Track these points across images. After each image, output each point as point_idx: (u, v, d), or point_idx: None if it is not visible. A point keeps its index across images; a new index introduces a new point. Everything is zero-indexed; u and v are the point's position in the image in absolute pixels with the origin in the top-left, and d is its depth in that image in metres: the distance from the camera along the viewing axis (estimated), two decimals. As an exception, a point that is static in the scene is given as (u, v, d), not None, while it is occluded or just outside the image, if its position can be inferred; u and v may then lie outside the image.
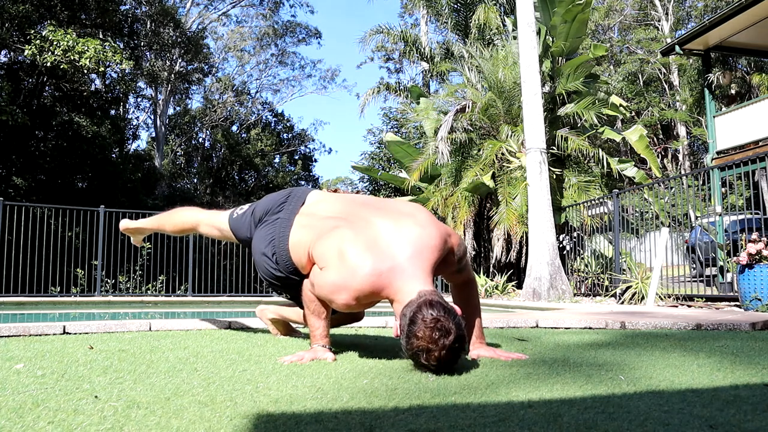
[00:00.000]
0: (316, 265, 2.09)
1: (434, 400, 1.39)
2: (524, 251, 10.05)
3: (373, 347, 2.49)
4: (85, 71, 14.26)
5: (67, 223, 10.03)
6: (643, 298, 6.83)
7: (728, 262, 7.00)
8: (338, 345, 2.38)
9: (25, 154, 15.91)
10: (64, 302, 7.60)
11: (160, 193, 22.79)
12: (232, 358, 2.09)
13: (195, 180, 29.39)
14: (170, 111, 27.38)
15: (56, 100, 17.09)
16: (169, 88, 24.95)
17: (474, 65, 12.33)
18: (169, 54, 23.20)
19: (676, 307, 6.07)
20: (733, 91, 14.91)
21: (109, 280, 9.64)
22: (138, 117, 27.08)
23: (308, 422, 1.19)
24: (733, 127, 10.85)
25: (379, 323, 3.43)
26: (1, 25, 13.99)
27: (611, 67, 24.93)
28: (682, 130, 24.09)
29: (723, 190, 13.48)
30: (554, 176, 10.28)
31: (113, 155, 18.35)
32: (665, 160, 24.72)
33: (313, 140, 32.19)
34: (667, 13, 25.23)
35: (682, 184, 15.05)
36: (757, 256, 5.05)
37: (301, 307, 2.34)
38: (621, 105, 11.85)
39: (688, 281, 8.23)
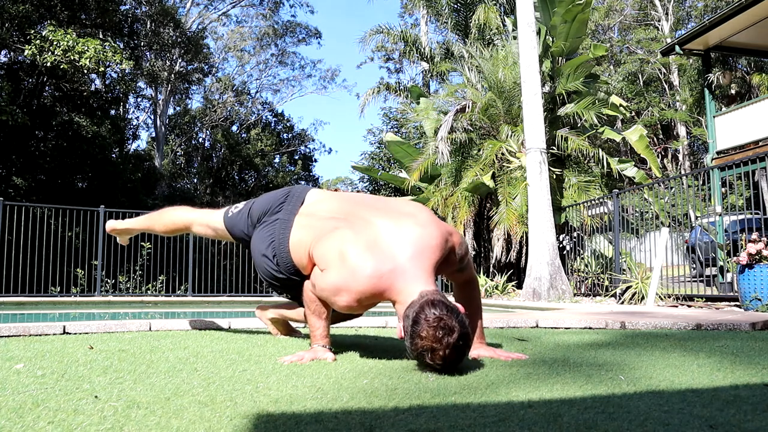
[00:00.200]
0: (317, 266, 2.08)
1: (434, 400, 1.39)
2: (524, 251, 10.06)
3: (373, 347, 2.49)
4: (85, 71, 14.27)
5: (67, 223, 10.04)
6: (643, 298, 6.83)
7: (728, 262, 7.00)
8: (338, 345, 2.38)
9: (25, 154, 15.91)
10: (64, 302, 7.59)
11: (160, 193, 22.79)
12: (232, 358, 2.09)
13: (195, 180, 29.39)
14: (170, 111, 27.39)
15: (56, 100, 17.09)
16: (169, 88, 24.95)
17: (474, 65, 12.33)
18: (169, 54, 23.20)
19: (676, 307, 6.07)
20: (733, 91, 14.90)
21: (109, 280, 9.64)
22: (138, 117, 27.11)
23: (308, 422, 1.19)
24: (733, 127, 10.85)
25: (379, 323, 3.43)
26: (1, 25, 13.99)
27: (611, 67, 24.93)
28: (682, 130, 24.10)
29: (723, 190, 13.48)
30: (554, 176, 10.28)
31: (113, 155, 18.36)
32: (665, 160, 24.72)
33: (313, 140, 32.22)
34: (667, 13, 25.23)
35: (682, 184, 15.05)
36: (757, 256, 5.05)
37: (302, 306, 2.34)
38: (621, 105, 11.85)
39: (688, 281, 8.23)
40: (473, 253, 11.27)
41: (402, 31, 16.34)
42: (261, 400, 1.40)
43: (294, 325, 2.98)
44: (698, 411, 1.27)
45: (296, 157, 31.49)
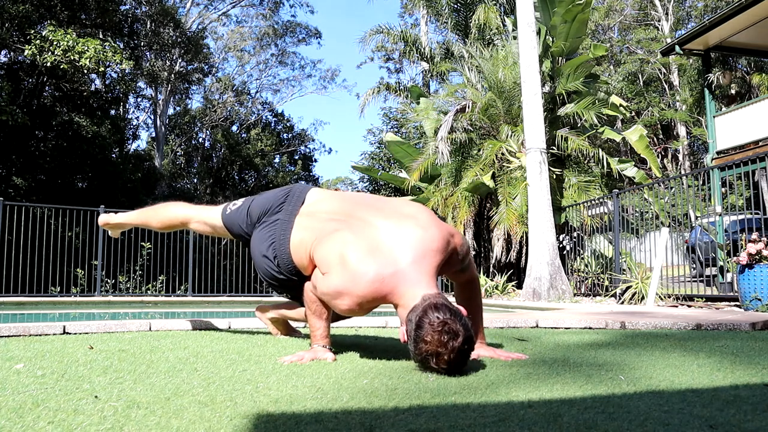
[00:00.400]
0: (318, 269, 2.07)
1: (434, 400, 1.39)
2: (524, 251, 10.06)
3: (373, 347, 2.49)
4: (85, 71, 14.27)
5: (67, 223, 10.04)
6: (643, 298, 6.83)
7: (728, 262, 7.00)
8: (338, 345, 2.38)
9: (25, 154, 15.92)
10: (64, 302, 7.60)
11: (160, 193, 22.79)
12: (232, 358, 2.09)
13: (195, 180, 29.40)
14: (170, 111, 27.40)
15: (56, 100, 17.09)
16: (169, 88, 24.95)
17: (474, 65, 12.33)
18: (169, 54, 23.20)
19: (676, 307, 6.07)
20: (733, 91, 14.90)
21: (109, 280, 9.65)
22: (138, 117, 27.11)
23: (308, 422, 1.19)
24: (733, 127, 10.85)
25: (379, 323, 3.43)
26: (1, 25, 13.99)
27: (611, 67, 24.93)
28: (682, 130, 24.10)
29: (723, 190, 13.48)
30: (554, 176, 10.29)
31: (113, 155, 18.36)
32: (665, 160, 24.72)
33: (313, 140, 32.23)
34: (667, 13, 25.23)
35: (682, 184, 15.05)
36: (757, 256, 5.05)
37: (302, 306, 2.33)
38: (621, 105, 11.85)
39: (688, 281, 8.23)
40: (473, 253, 11.27)
41: (402, 31, 16.34)
42: (261, 400, 1.40)
43: (294, 324, 2.98)
44: (698, 411, 1.27)
45: (296, 157, 31.49)
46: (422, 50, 16.38)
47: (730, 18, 10.16)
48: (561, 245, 9.30)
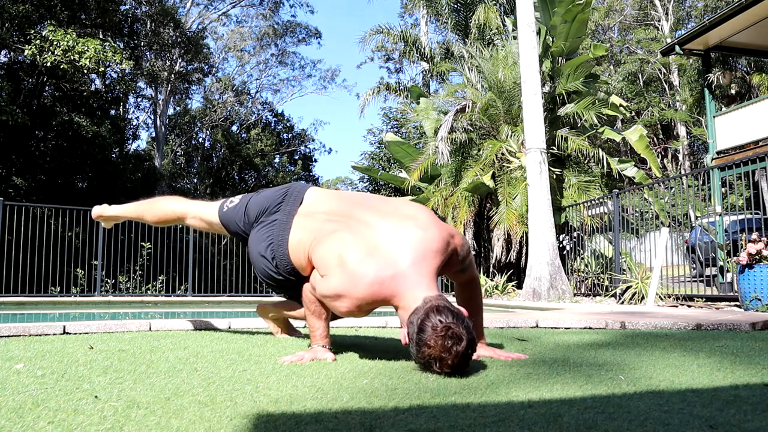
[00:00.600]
0: (316, 270, 2.06)
1: (434, 400, 1.39)
2: (524, 251, 10.06)
3: (373, 347, 2.49)
4: (85, 71, 14.27)
5: (67, 223, 10.04)
6: (643, 298, 6.83)
7: (728, 262, 7.00)
8: (338, 345, 2.38)
9: (25, 154, 15.92)
10: (64, 302, 7.59)
11: (160, 192, 22.79)
12: (232, 358, 2.09)
13: (195, 180, 29.40)
14: (170, 111, 27.39)
15: (56, 100, 17.09)
16: (169, 88, 24.95)
17: (474, 65, 12.33)
18: (169, 54, 23.20)
19: (676, 307, 6.07)
20: (733, 91, 14.89)
21: (109, 280, 9.65)
22: (138, 117, 27.11)
23: (308, 422, 1.19)
24: (733, 127, 10.85)
25: (379, 323, 3.43)
26: (1, 25, 14.00)
27: (611, 67, 24.93)
28: (682, 130, 24.10)
29: (723, 190, 13.48)
30: (554, 176, 10.29)
31: (113, 155, 18.36)
32: (665, 160, 24.72)
33: (313, 140, 32.23)
34: (667, 13, 25.23)
35: (682, 184, 15.05)
36: (757, 256, 5.05)
37: (301, 305, 2.33)
38: (621, 105, 11.85)
39: (688, 281, 8.23)
40: (473, 253, 11.27)
41: (402, 31, 16.34)
42: (261, 400, 1.40)
43: (294, 324, 2.98)
44: (698, 411, 1.27)
45: (296, 157, 31.49)
46: (422, 50, 16.38)
47: (730, 18, 10.16)
48: (561, 245, 9.30)
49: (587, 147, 10.51)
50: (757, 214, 10.86)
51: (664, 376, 1.71)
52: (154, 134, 26.80)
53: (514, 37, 11.69)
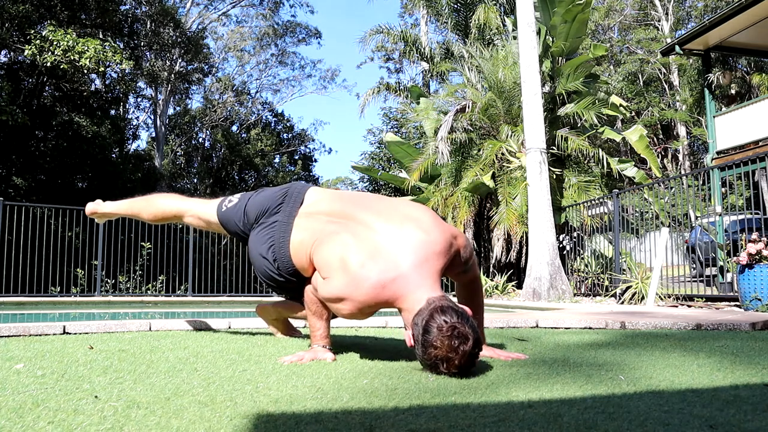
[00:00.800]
0: (318, 272, 2.05)
1: (434, 400, 1.39)
2: (524, 251, 10.06)
3: (373, 347, 2.49)
4: (85, 71, 14.27)
5: (67, 223, 10.03)
6: (643, 298, 6.83)
7: (728, 262, 7.00)
8: (338, 345, 2.38)
9: (25, 154, 15.92)
10: (64, 302, 7.59)
11: (160, 192, 22.76)
12: (232, 358, 2.09)
13: (195, 180, 29.39)
14: (170, 111, 27.39)
15: (56, 100, 17.09)
16: (169, 88, 24.95)
17: (474, 65, 12.33)
18: (169, 54, 23.20)
19: (676, 307, 6.07)
20: (733, 91, 14.90)
21: (109, 280, 9.65)
22: (138, 117, 27.11)
23: (308, 422, 1.19)
24: (733, 127, 10.85)
25: (379, 323, 3.43)
26: (1, 25, 14.00)
27: (611, 67, 24.93)
28: (682, 130, 24.10)
29: (723, 190, 13.48)
30: (554, 176, 10.29)
31: (113, 155, 18.36)
32: (665, 160, 24.72)
33: (313, 140, 32.23)
34: (667, 13, 25.23)
35: (682, 184, 15.05)
36: (757, 256, 5.05)
37: (301, 305, 2.32)
38: (621, 105, 11.85)
39: (688, 281, 8.23)
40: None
41: (402, 31, 16.34)
42: (261, 400, 1.40)
43: (294, 324, 2.98)
44: (698, 411, 1.27)
45: (296, 157, 31.50)
46: (422, 50, 16.38)
47: (730, 18, 10.16)
48: (561, 245, 9.30)
49: (587, 147, 10.51)
50: (757, 214, 10.86)
51: (664, 376, 1.71)
52: (154, 134, 26.80)
53: (514, 37, 11.69)
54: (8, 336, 2.67)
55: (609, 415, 1.22)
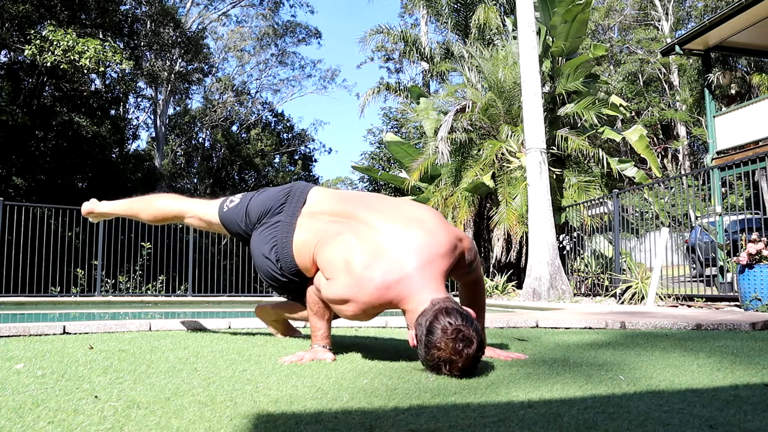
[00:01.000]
0: (321, 273, 2.04)
1: (434, 400, 1.39)
2: (524, 251, 10.06)
3: (373, 347, 2.49)
4: (85, 71, 14.27)
5: (67, 223, 10.03)
6: (643, 298, 6.83)
7: (728, 262, 7.00)
8: (338, 345, 2.38)
9: (25, 154, 15.92)
10: (64, 302, 7.59)
11: (160, 192, 22.76)
12: (232, 358, 2.09)
13: (195, 180, 29.40)
14: (170, 111, 27.39)
15: (56, 100, 17.10)
16: (169, 88, 24.95)
17: (474, 65, 12.33)
18: (169, 54, 23.20)
19: (676, 307, 6.07)
20: (733, 91, 14.90)
21: (109, 280, 9.64)
22: (138, 117, 27.11)
23: (308, 422, 1.19)
24: (733, 127, 10.85)
25: (379, 323, 3.43)
26: (1, 25, 14.00)
27: (611, 67, 24.93)
28: (682, 130, 24.10)
29: (723, 190, 13.48)
30: (554, 176, 10.29)
31: (113, 155, 18.36)
32: (665, 160, 24.72)
33: (313, 140, 32.24)
34: (667, 13, 25.23)
35: (682, 184, 15.05)
36: (757, 256, 5.05)
37: (302, 304, 2.32)
38: (621, 105, 11.85)
39: (688, 281, 8.23)
40: (474, 253, 11.24)
41: (402, 31, 16.34)
42: (261, 400, 1.40)
43: (294, 324, 2.98)
44: (698, 411, 1.27)
45: (296, 157, 31.50)
46: (422, 50, 16.38)
47: (730, 18, 10.16)
48: (561, 245, 9.30)
49: (587, 147, 10.51)
50: (757, 214, 10.86)
51: (664, 376, 1.71)
52: (154, 134, 26.81)
53: (514, 37, 11.69)
54: (8, 336, 2.67)
55: (609, 415, 1.22)
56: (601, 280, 8.48)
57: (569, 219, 9.94)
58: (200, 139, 29.65)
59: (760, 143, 10.19)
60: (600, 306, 6.56)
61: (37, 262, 8.91)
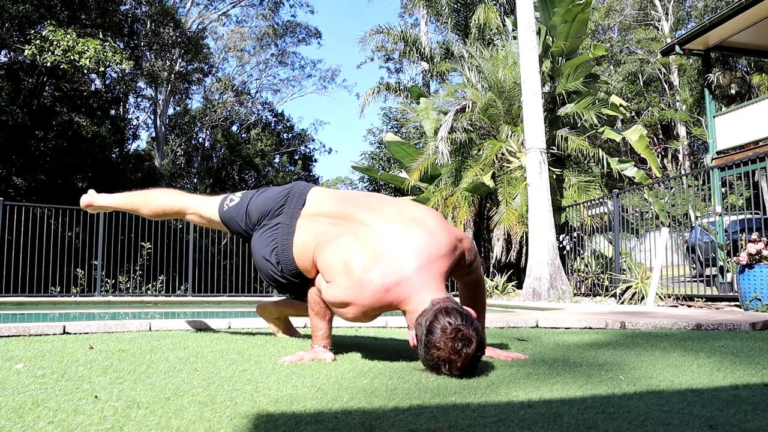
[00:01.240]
0: (322, 274, 2.05)
1: (434, 400, 1.39)
2: (524, 251, 10.05)
3: (373, 347, 2.49)
4: (85, 71, 14.27)
5: (67, 223, 10.03)
6: (643, 298, 6.83)
7: (728, 262, 7.00)
8: (338, 345, 2.38)
9: (25, 154, 15.92)
10: (64, 302, 7.59)
11: (160, 192, 22.73)
12: (232, 358, 2.09)
13: (195, 180, 29.39)
14: (170, 111, 27.39)
15: (56, 100, 17.09)
16: (169, 88, 24.95)
17: (474, 65, 12.33)
18: (169, 54, 23.20)
19: (676, 307, 6.07)
20: (733, 91, 14.90)
21: (109, 280, 9.64)
22: (138, 117, 27.11)
23: (308, 422, 1.19)
24: (733, 127, 10.85)
25: (379, 323, 3.43)
26: (1, 25, 14.00)
27: (611, 67, 24.93)
28: (682, 130, 24.10)
29: (723, 190, 13.48)
30: (554, 176, 10.29)
31: (113, 155, 18.36)
32: (665, 160, 24.72)
33: (313, 140, 32.23)
34: (667, 13, 25.23)
35: (682, 184, 15.05)
36: (757, 256, 5.05)
37: (304, 302, 2.32)
38: (621, 105, 11.85)
39: (688, 281, 8.23)
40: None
41: (402, 31, 16.34)
42: (261, 400, 1.40)
43: (295, 324, 2.98)
44: (698, 411, 1.27)
45: (296, 157, 31.50)
46: (422, 50, 16.38)
47: (730, 18, 10.16)
48: (561, 245, 9.30)
49: (587, 147, 10.51)
50: (757, 214, 10.86)
51: (664, 376, 1.71)
52: (154, 134, 26.81)
53: (514, 37, 11.69)
54: (8, 336, 2.67)
55: (609, 415, 1.22)
56: (601, 280, 8.48)
57: (569, 219, 9.94)
58: (200, 139, 29.65)
59: (760, 143, 10.19)
60: (600, 306, 6.56)
61: (37, 262, 8.91)
